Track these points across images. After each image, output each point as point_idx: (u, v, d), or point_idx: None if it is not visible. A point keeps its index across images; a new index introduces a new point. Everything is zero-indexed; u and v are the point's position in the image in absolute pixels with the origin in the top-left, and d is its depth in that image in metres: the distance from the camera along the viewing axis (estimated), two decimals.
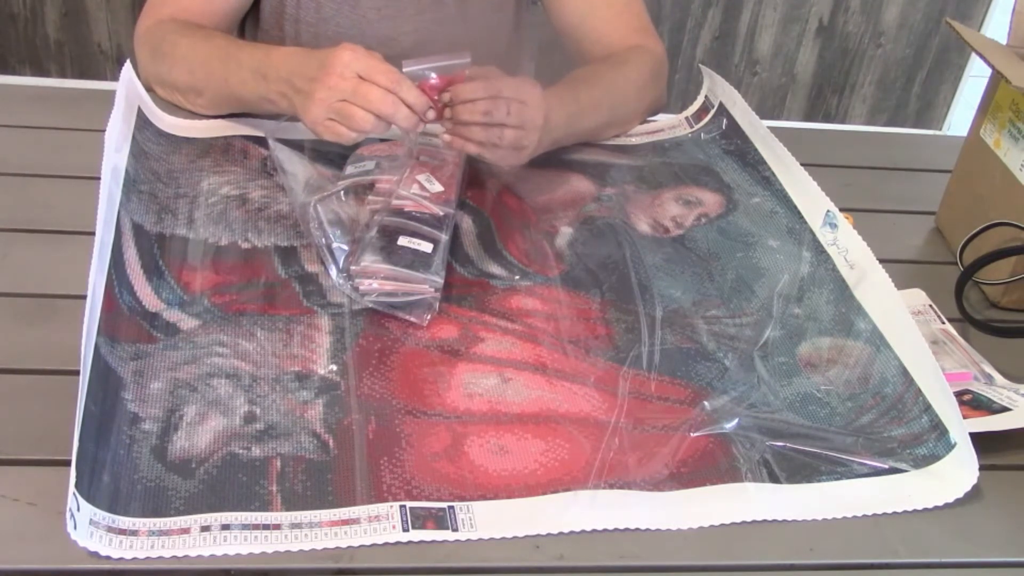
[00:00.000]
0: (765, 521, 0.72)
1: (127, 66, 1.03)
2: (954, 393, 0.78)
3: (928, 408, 0.81)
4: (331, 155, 1.03)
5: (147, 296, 0.84)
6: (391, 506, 0.69)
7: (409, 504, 0.69)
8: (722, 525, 0.71)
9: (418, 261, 0.87)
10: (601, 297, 0.91)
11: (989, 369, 0.88)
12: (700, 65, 1.33)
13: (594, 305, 0.90)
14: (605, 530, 0.69)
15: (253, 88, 1.00)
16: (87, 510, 0.64)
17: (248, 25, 1.27)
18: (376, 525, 0.67)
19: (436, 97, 0.93)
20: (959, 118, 2.71)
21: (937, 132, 2.72)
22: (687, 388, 0.82)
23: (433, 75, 0.93)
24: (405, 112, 0.90)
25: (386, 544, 0.67)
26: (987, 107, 1.03)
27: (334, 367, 0.80)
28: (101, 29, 2.36)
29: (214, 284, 0.87)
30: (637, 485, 0.73)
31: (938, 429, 0.79)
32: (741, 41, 2.56)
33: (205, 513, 0.67)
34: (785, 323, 0.90)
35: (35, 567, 0.64)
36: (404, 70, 0.91)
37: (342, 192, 0.95)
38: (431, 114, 0.93)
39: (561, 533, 0.69)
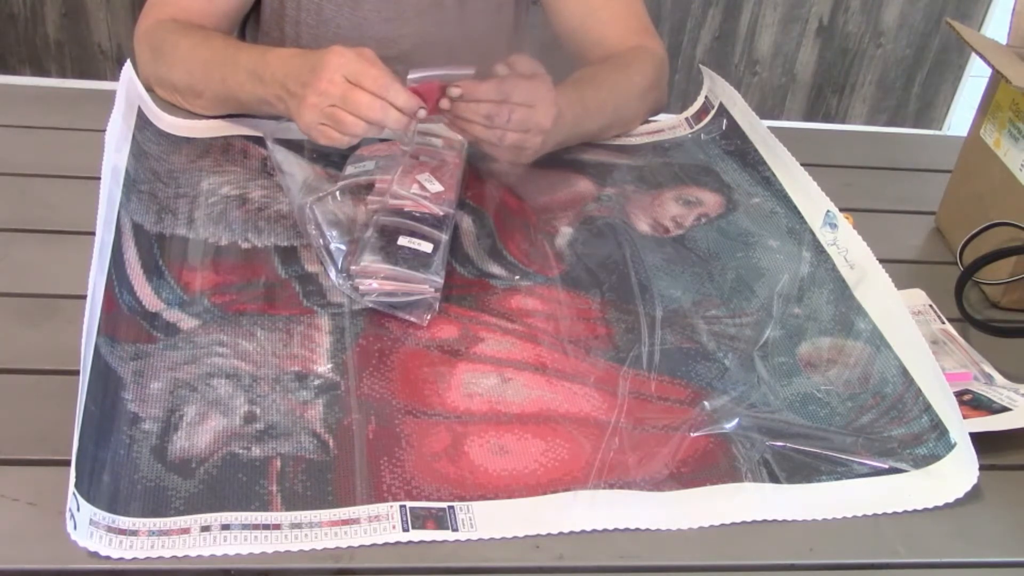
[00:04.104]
0: (765, 521, 0.72)
1: (127, 66, 1.03)
2: (954, 393, 0.78)
3: (928, 408, 0.81)
4: (331, 155, 1.03)
5: (147, 296, 0.84)
6: (391, 506, 0.69)
7: (409, 504, 0.69)
8: (722, 525, 0.71)
9: (418, 261, 0.87)
10: (601, 297, 0.91)
11: (989, 369, 0.88)
12: (700, 65, 1.33)
13: (594, 305, 0.90)
14: (605, 530, 0.69)
15: (250, 90, 1.00)
16: (87, 510, 0.64)
17: (249, 26, 1.27)
18: (376, 525, 0.67)
19: (437, 99, 0.93)
20: (959, 118, 2.71)
21: (937, 132, 2.72)
22: (687, 388, 0.82)
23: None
24: (395, 116, 0.90)
25: (386, 544, 0.67)
26: (987, 107, 1.03)
27: (334, 367, 0.80)
28: (101, 29, 2.36)
29: (214, 284, 0.87)
30: (637, 485, 0.73)
31: (938, 429, 0.79)
32: (741, 41, 2.56)
33: (205, 513, 0.67)
34: (785, 323, 0.90)
35: (35, 567, 0.64)
36: (410, 77, 0.91)
37: (337, 192, 0.95)
38: (422, 113, 0.92)
39: (561, 533, 0.69)
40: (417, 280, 0.86)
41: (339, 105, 0.89)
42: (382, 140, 1.03)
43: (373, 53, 0.91)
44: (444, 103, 0.94)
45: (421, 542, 0.67)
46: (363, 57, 0.90)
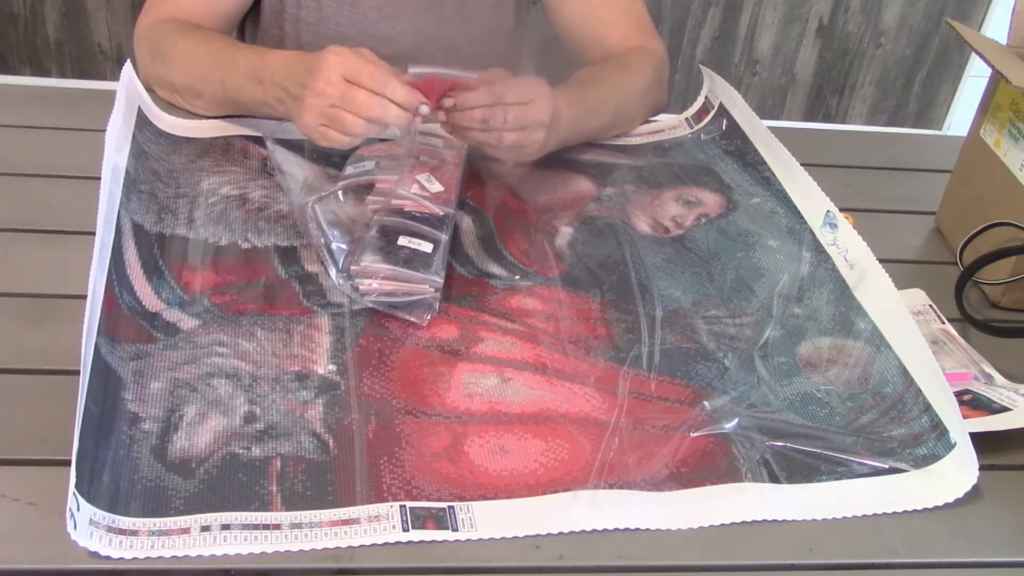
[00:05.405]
0: (765, 521, 0.72)
1: (127, 66, 1.03)
2: (954, 393, 0.78)
3: (928, 408, 0.81)
4: (331, 155, 1.03)
5: (147, 296, 0.84)
6: (391, 506, 0.69)
7: (409, 504, 0.69)
8: (722, 525, 0.71)
9: (418, 261, 0.87)
10: (601, 297, 0.91)
11: (989, 369, 0.88)
12: (700, 65, 1.33)
13: (594, 305, 0.90)
14: (605, 530, 0.69)
15: (250, 93, 1.00)
16: (87, 510, 0.64)
17: (248, 25, 1.27)
18: (376, 525, 0.67)
19: (439, 96, 0.93)
20: (959, 118, 2.71)
21: (937, 132, 2.72)
22: (687, 388, 0.82)
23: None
24: (395, 112, 0.89)
25: (386, 544, 0.67)
26: (987, 107, 1.03)
27: (334, 367, 0.80)
28: (101, 29, 2.36)
29: (214, 284, 0.87)
30: (637, 485, 0.73)
31: (938, 429, 0.79)
32: (741, 41, 2.56)
33: (205, 513, 0.67)
34: (785, 323, 0.90)
35: (35, 567, 0.64)
36: (411, 71, 0.91)
37: (340, 192, 0.95)
38: (424, 108, 0.91)
39: (561, 533, 0.69)
40: (417, 280, 0.86)
41: (338, 104, 0.89)
42: (382, 140, 1.03)
43: (372, 53, 0.91)
44: (440, 115, 0.93)
45: (421, 542, 0.67)
46: (361, 55, 0.90)
